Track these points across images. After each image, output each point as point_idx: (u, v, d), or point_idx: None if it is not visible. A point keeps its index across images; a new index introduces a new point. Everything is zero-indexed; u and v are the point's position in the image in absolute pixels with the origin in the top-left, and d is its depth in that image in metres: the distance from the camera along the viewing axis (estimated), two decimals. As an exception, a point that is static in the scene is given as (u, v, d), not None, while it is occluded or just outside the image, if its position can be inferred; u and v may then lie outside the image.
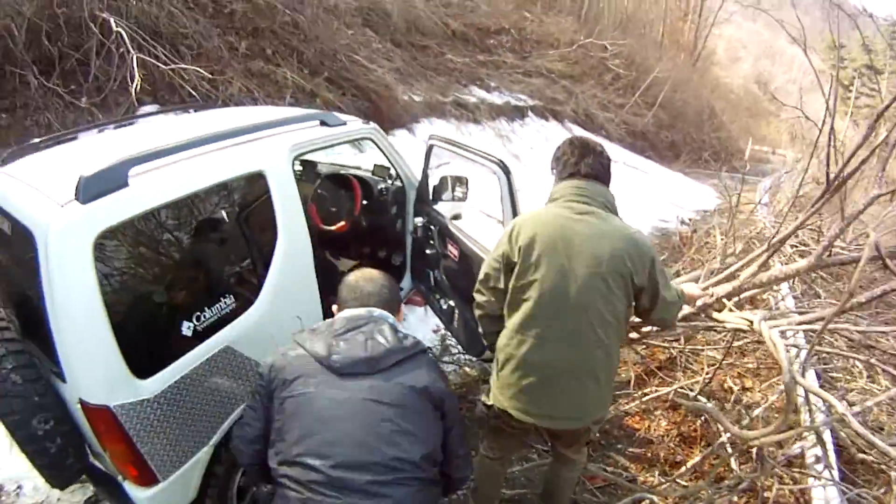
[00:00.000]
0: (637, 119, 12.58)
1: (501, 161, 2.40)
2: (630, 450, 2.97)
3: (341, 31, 6.79)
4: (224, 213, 2.14)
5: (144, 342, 1.86)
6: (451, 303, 2.86)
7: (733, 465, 2.66)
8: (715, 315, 2.52)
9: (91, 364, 1.70)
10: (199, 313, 1.96)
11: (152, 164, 1.86)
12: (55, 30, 3.95)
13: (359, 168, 3.63)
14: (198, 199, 2.01)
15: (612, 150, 8.79)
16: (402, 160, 3.13)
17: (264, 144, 2.26)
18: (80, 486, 2.68)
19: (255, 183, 2.15)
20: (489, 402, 2.02)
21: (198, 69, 4.46)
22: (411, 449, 1.39)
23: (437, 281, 2.99)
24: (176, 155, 1.95)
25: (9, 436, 1.92)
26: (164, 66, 4.33)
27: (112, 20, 4.09)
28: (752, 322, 2.42)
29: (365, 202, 3.28)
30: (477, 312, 2.04)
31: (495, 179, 2.41)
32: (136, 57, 4.11)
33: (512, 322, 1.87)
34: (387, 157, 3.05)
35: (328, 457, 1.34)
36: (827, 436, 2.58)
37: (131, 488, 1.92)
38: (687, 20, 22.26)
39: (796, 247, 4.48)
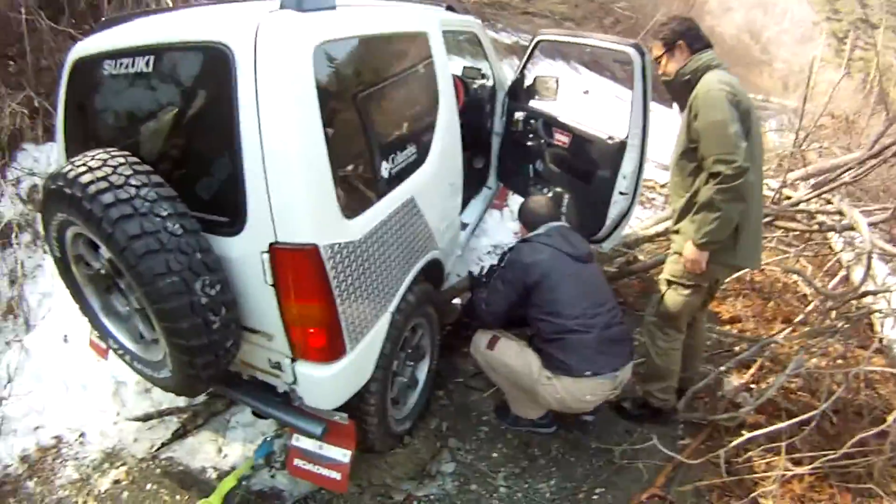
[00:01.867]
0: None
1: (636, 43, 2.43)
2: (718, 328, 3.04)
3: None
4: (406, 63, 2.04)
5: (353, 176, 1.61)
6: (558, 189, 2.85)
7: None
8: (796, 200, 3.05)
9: (297, 197, 1.36)
10: (393, 155, 1.80)
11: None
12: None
13: None
14: (389, 43, 1.96)
15: (618, 90, 8.86)
16: (497, 61, 3.05)
17: (422, 10, 2.28)
18: (158, 421, 2.31)
19: (422, 43, 2.14)
20: (718, 277, 2.26)
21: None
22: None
23: (539, 172, 2.98)
24: None
25: (150, 312, 1.40)
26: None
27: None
28: (833, 202, 2.95)
29: (465, 100, 3.23)
30: (743, 190, 1.88)
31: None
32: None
33: None
34: (485, 55, 3.01)
35: (601, 306, 2.11)
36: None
37: (308, 370, 1.55)
38: (686, -31, 22.04)
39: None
